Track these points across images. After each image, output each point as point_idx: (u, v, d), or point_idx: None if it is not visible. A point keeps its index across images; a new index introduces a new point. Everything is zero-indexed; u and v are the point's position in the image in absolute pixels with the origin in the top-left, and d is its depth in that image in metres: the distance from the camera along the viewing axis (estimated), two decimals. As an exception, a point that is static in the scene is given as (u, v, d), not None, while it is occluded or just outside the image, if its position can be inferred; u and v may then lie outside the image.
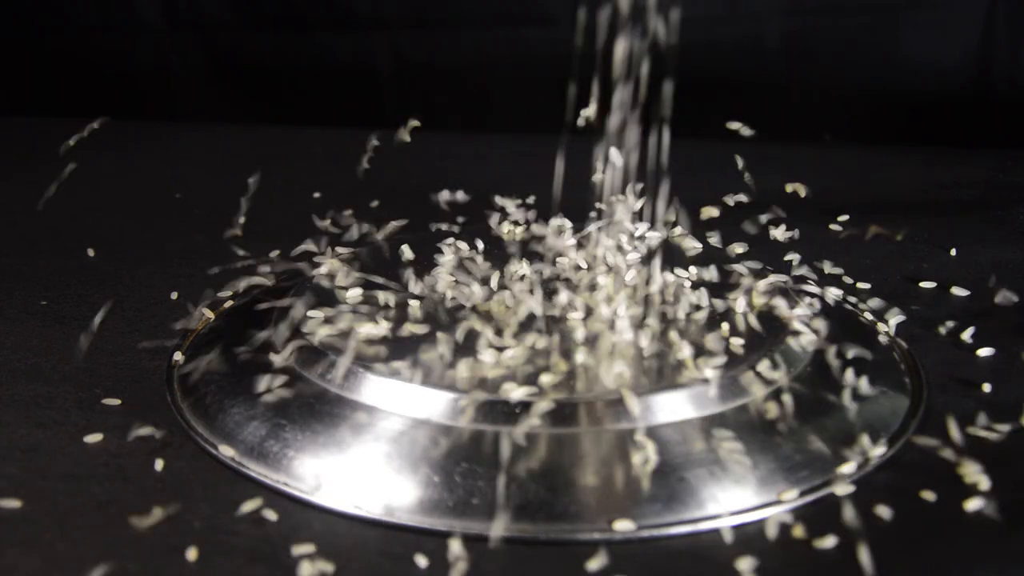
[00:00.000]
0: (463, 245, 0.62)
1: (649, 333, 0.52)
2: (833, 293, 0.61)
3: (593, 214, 0.65)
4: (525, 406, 0.48)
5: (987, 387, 0.55)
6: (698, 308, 0.55)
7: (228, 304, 0.64)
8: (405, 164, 0.86)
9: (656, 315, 0.54)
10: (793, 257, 0.69)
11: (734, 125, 0.61)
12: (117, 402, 0.55)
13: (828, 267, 0.68)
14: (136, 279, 0.67)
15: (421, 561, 0.44)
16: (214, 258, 0.70)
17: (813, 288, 0.61)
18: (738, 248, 0.68)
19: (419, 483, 0.47)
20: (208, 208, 0.77)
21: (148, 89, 1.05)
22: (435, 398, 0.49)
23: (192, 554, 0.44)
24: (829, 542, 0.45)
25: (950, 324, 0.61)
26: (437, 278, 0.58)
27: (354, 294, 0.57)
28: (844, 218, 0.75)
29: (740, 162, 0.66)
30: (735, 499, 0.47)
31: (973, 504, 0.46)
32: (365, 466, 0.48)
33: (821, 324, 0.54)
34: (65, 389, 0.56)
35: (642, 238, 0.61)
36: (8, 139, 0.94)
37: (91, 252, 0.71)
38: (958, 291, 0.65)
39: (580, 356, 0.50)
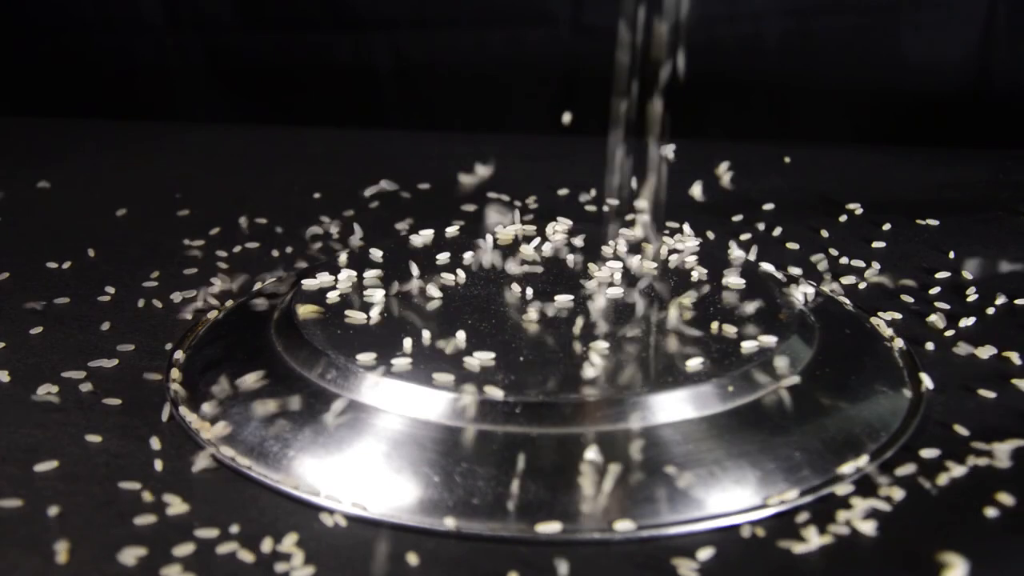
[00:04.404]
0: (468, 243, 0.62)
1: (650, 332, 0.52)
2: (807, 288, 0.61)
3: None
4: (528, 406, 0.48)
5: (987, 387, 0.55)
6: (698, 306, 0.55)
7: (229, 303, 0.64)
8: (405, 164, 0.86)
9: (657, 314, 0.54)
10: (793, 256, 0.69)
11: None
12: (117, 402, 0.55)
13: (827, 266, 0.68)
14: (136, 279, 0.67)
15: (420, 561, 0.44)
16: (214, 258, 0.70)
17: (808, 286, 0.61)
18: (738, 248, 0.68)
19: (419, 483, 0.47)
20: (208, 208, 0.77)
21: (148, 89, 1.05)
22: (435, 398, 0.49)
23: (191, 554, 0.44)
24: (828, 542, 0.45)
25: (950, 324, 0.61)
26: (440, 276, 0.58)
27: (353, 292, 0.57)
28: (844, 218, 0.75)
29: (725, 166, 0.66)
30: (735, 499, 0.47)
31: (973, 503, 0.46)
32: (365, 466, 0.48)
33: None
34: (65, 389, 0.56)
35: (641, 238, 0.62)
36: (8, 139, 0.93)
37: (91, 252, 0.71)
38: (958, 291, 0.65)
39: (581, 355, 0.51)
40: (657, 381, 0.49)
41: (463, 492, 0.46)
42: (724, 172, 0.65)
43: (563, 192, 0.80)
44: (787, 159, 0.85)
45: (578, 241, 0.62)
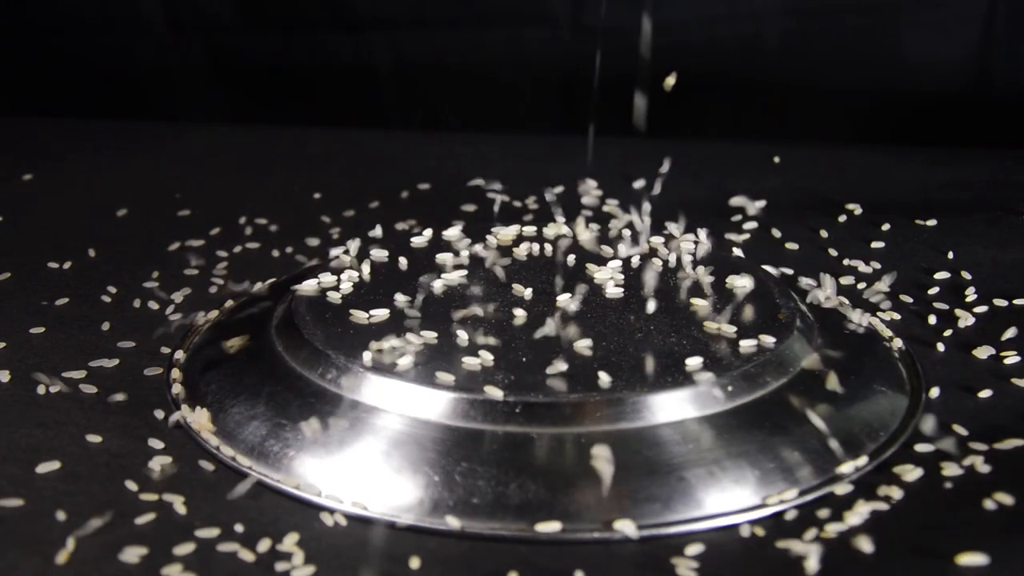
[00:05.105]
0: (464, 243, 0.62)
1: (650, 332, 0.52)
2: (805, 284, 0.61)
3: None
4: (528, 406, 0.48)
5: (986, 386, 0.55)
6: (698, 305, 0.55)
7: (229, 303, 0.64)
8: (405, 164, 0.86)
9: (657, 314, 0.54)
10: (792, 257, 0.69)
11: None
12: (117, 402, 0.55)
13: (828, 267, 0.68)
14: (136, 279, 0.67)
15: (420, 561, 0.44)
16: (214, 258, 0.70)
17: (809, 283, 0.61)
18: (737, 247, 0.69)
19: (419, 483, 0.47)
20: (208, 208, 0.77)
21: (148, 89, 1.05)
22: (435, 398, 0.49)
23: (192, 553, 0.44)
24: (828, 541, 0.45)
25: (949, 324, 0.61)
26: (440, 276, 0.58)
27: (354, 292, 0.57)
28: (843, 218, 0.75)
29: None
30: (735, 499, 0.47)
31: (972, 503, 0.47)
32: (365, 466, 0.48)
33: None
34: (65, 389, 0.56)
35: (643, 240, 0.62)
36: (8, 139, 0.94)
37: (92, 252, 0.71)
38: (958, 291, 0.65)
39: (581, 355, 0.51)
40: (657, 381, 0.49)
41: (463, 492, 0.46)
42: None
43: (562, 192, 0.79)
44: (776, 159, 0.85)
45: (578, 241, 0.62)
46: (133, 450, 0.51)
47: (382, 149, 0.91)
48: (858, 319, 0.58)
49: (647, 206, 0.63)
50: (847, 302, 0.61)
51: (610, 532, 0.45)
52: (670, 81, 0.62)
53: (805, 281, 0.63)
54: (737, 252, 0.66)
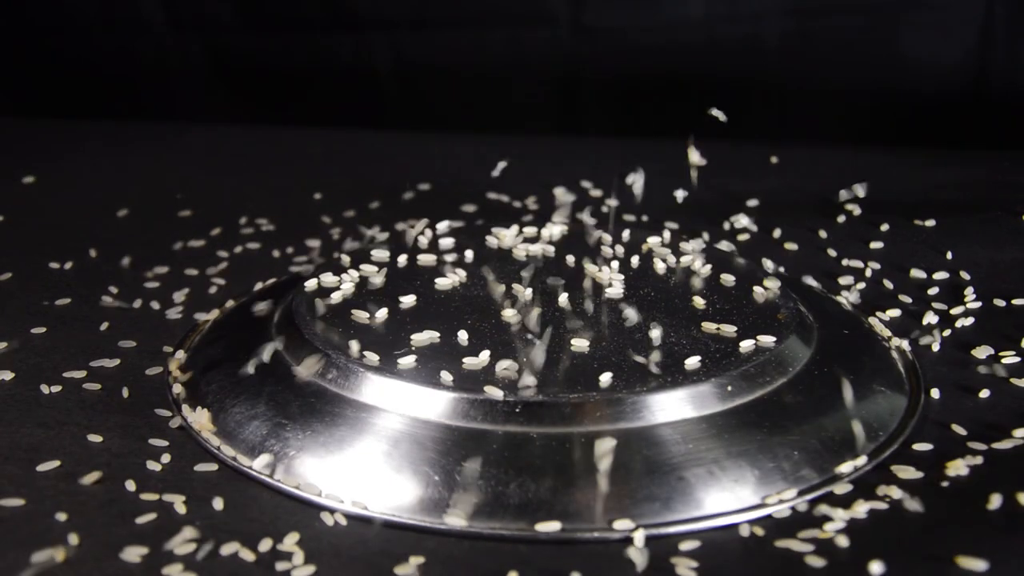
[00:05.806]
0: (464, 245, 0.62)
1: (649, 332, 0.52)
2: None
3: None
4: (528, 406, 0.48)
5: (985, 386, 0.55)
6: (698, 306, 0.55)
7: (229, 303, 0.64)
8: (405, 164, 0.86)
9: (656, 314, 0.54)
10: (792, 257, 0.69)
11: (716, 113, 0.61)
12: (118, 402, 0.55)
13: (827, 267, 0.68)
14: (136, 279, 0.67)
15: (420, 560, 0.44)
16: (214, 258, 0.70)
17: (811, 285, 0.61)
18: (736, 247, 0.69)
19: (419, 483, 0.47)
20: (208, 208, 0.78)
21: (148, 89, 1.05)
22: (435, 398, 0.49)
23: (192, 553, 0.45)
24: (827, 541, 0.45)
25: (948, 324, 0.61)
26: (441, 276, 0.58)
27: (355, 292, 0.57)
28: (842, 219, 0.75)
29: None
30: (734, 499, 0.47)
31: (971, 502, 0.47)
32: (365, 466, 0.48)
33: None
34: (66, 389, 0.56)
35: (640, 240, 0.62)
36: (8, 139, 0.94)
37: (92, 252, 0.71)
38: (957, 291, 0.65)
39: (581, 355, 0.51)
40: (656, 381, 0.49)
41: (463, 492, 0.46)
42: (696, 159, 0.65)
43: (561, 192, 0.80)
44: (774, 159, 0.85)
45: (578, 242, 0.62)
46: (133, 450, 0.51)
47: (382, 149, 0.91)
48: (852, 307, 0.58)
49: (645, 206, 0.63)
50: (847, 300, 0.61)
51: (610, 532, 0.45)
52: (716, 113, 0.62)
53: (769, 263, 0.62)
54: (736, 252, 0.66)
